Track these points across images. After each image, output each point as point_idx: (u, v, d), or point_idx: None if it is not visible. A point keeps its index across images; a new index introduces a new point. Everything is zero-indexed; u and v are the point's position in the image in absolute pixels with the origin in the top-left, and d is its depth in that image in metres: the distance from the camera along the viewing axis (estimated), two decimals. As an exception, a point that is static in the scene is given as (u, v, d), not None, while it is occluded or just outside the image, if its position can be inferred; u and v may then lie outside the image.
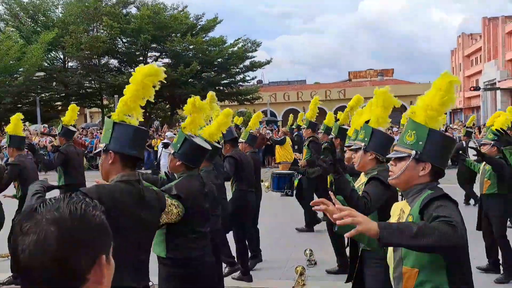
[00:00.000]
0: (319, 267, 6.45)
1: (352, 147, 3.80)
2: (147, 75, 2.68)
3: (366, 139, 3.48)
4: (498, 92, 42.86)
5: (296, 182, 8.57)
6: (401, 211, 2.42)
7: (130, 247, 2.44)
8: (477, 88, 42.55)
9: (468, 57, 59.99)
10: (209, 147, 3.67)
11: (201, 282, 3.30)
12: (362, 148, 3.48)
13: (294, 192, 8.64)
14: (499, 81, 44.00)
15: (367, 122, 3.61)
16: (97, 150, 2.78)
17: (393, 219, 2.47)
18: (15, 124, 6.22)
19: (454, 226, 1.97)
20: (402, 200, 2.79)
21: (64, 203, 1.05)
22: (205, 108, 3.80)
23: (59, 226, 1.01)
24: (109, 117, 2.72)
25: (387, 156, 2.74)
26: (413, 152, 2.36)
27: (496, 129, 5.94)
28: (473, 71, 56.89)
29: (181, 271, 3.24)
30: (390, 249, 2.37)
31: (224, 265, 5.47)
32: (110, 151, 2.61)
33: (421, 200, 2.27)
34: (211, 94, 6.39)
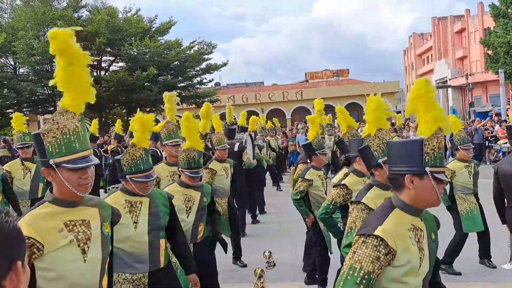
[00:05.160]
0: (277, 268, 6.44)
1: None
2: (58, 47, 2.28)
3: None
4: (450, 89, 44.35)
5: None
6: (414, 228, 2.12)
7: None
8: (429, 86, 43.72)
9: (420, 56, 61.79)
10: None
11: None
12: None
13: None
14: (450, 79, 45.54)
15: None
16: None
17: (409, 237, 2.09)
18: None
19: None
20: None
21: None
22: (147, 128, 3.54)
23: None
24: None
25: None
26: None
27: None
28: (425, 69, 58.63)
29: None
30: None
31: None
32: None
33: (429, 215, 2.26)
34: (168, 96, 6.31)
